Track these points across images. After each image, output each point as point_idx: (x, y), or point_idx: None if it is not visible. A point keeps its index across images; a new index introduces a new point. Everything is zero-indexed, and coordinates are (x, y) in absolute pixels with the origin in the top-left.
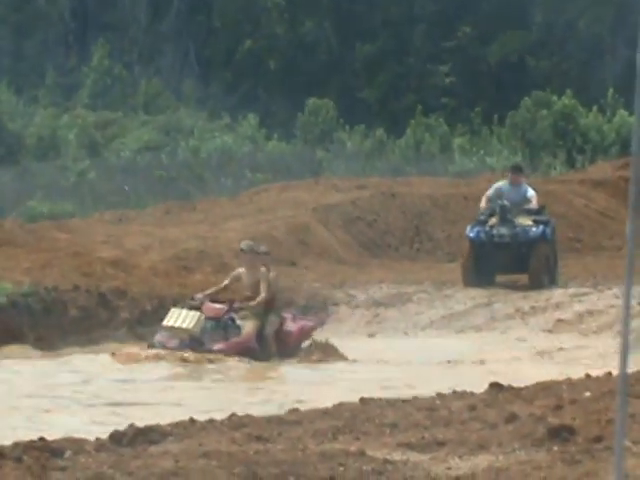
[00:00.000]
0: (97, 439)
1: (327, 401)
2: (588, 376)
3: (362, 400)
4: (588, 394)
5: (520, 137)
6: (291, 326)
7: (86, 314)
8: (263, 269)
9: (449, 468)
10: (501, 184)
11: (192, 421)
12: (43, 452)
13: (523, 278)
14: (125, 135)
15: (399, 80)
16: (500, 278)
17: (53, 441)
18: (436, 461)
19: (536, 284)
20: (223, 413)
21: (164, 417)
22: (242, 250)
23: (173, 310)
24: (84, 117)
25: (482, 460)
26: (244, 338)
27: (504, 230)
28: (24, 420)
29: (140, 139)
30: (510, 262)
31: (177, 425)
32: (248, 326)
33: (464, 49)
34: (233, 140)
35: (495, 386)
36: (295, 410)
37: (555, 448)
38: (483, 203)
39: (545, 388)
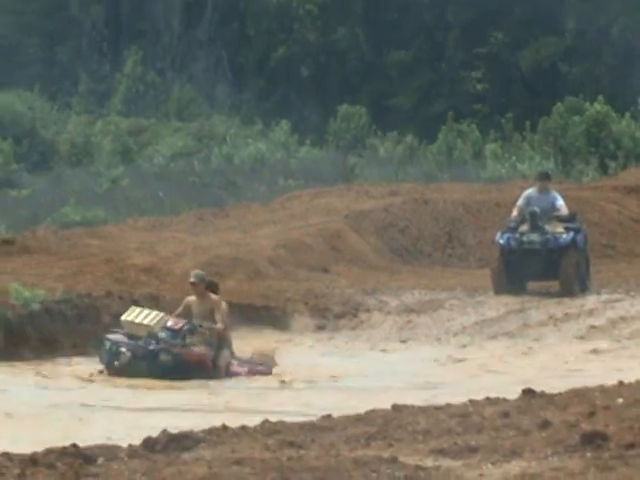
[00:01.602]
0: (130, 446)
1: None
2: (621, 383)
3: (394, 407)
4: (621, 400)
5: (552, 143)
6: (239, 369)
7: (119, 320)
8: (215, 298)
9: (482, 475)
10: (530, 191)
11: (225, 427)
12: (76, 459)
13: (556, 285)
14: (158, 142)
15: (431, 86)
16: (533, 285)
17: (86, 448)
18: (469, 467)
19: (567, 291)
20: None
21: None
22: (193, 283)
23: (133, 307)
24: (117, 124)
25: (515, 466)
26: (202, 351)
27: (534, 237)
28: (56, 427)
29: (173, 146)
30: (540, 269)
31: (210, 432)
32: (205, 348)
33: (496, 55)
34: (266, 146)
35: (528, 392)
36: (328, 416)
37: (588, 454)
38: (515, 213)
39: (578, 395)
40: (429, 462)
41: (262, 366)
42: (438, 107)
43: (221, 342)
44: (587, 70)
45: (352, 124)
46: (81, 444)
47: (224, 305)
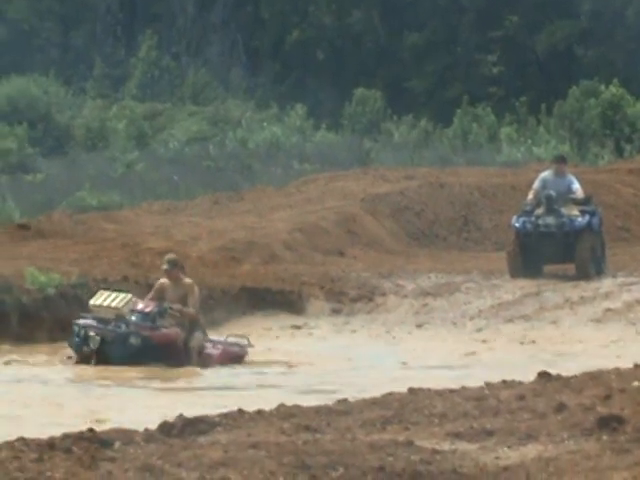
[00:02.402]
0: (146, 430)
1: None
2: (637, 366)
3: (411, 390)
4: (637, 383)
5: (568, 127)
6: (213, 351)
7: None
8: (189, 282)
9: (498, 458)
10: (546, 174)
11: (241, 412)
12: (92, 443)
13: (572, 268)
14: (173, 126)
15: (446, 70)
16: (550, 268)
17: (102, 432)
18: (485, 451)
19: (582, 274)
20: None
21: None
22: (166, 269)
23: (102, 291)
24: (132, 108)
25: (531, 450)
26: (172, 332)
27: (550, 220)
28: (73, 412)
29: (188, 130)
30: (556, 252)
31: (226, 416)
32: (176, 329)
33: (511, 38)
34: (281, 130)
35: (544, 375)
36: (344, 400)
37: (604, 437)
38: (531, 196)
39: (594, 377)
40: (445, 445)
41: (237, 347)
42: (453, 91)
43: (193, 325)
44: (602, 53)
45: (367, 108)
46: (97, 428)
47: (196, 289)
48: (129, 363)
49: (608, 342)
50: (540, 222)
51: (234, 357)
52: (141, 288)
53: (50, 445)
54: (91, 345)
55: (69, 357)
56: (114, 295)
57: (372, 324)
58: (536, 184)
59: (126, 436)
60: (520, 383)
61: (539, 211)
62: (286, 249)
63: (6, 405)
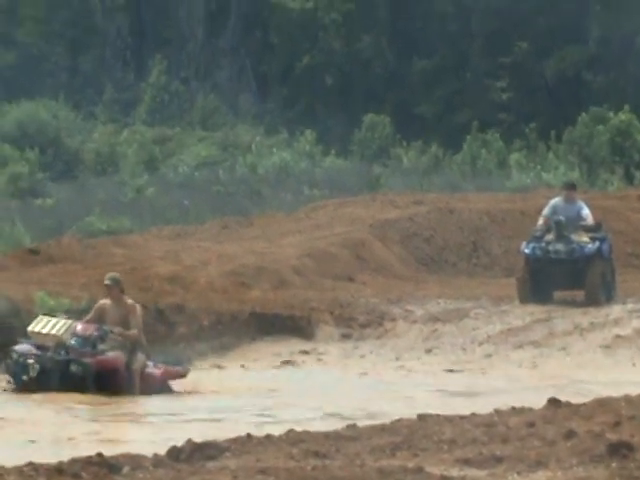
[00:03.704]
0: (155, 455)
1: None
2: None
3: (420, 416)
4: None
5: (577, 153)
6: (154, 370)
7: (144, 330)
8: (130, 302)
9: None
10: (556, 201)
11: (249, 437)
12: (101, 468)
13: (582, 294)
14: (183, 151)
15: (456, 95)
16: (559, 294)
17: (111, 457)
18: (494, 477)
19: (592, 300)
20: None
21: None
22: (108, 286)
23: (41, 317)
24: (142, 133)
25: (540, 476)
26: (114, 357)
27: (560, 246)
28: (81, 437)
29: (198, 155)
30: (566, 278)
31: (235, 441)
32: (117, 353)
33: (521, 64)
34: (290, 156)
35: (553, 402)
36: (353, 426)
37: (614, 464)
38: (541, 222)
39: (603, 405)
40: (454, 472)
41: (178, 367)
42: (462, 116)
43: (135, 346)
44: (611, 79)
45: (377, 133)
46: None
47: (139, 309)
48: (70, 391)
49: (617, 368)
50: (550, 248)
51: (175, 376)
52: (149, 312)
53: (59, 470)
54: (30, 373)
55: (8, 383)
56: (53, 321)
57: (381, 349)
58: (546, 210)
59: (134, 461)
60: (530, 410)
61: (549, 237)
62: (295, 274)
63: None
